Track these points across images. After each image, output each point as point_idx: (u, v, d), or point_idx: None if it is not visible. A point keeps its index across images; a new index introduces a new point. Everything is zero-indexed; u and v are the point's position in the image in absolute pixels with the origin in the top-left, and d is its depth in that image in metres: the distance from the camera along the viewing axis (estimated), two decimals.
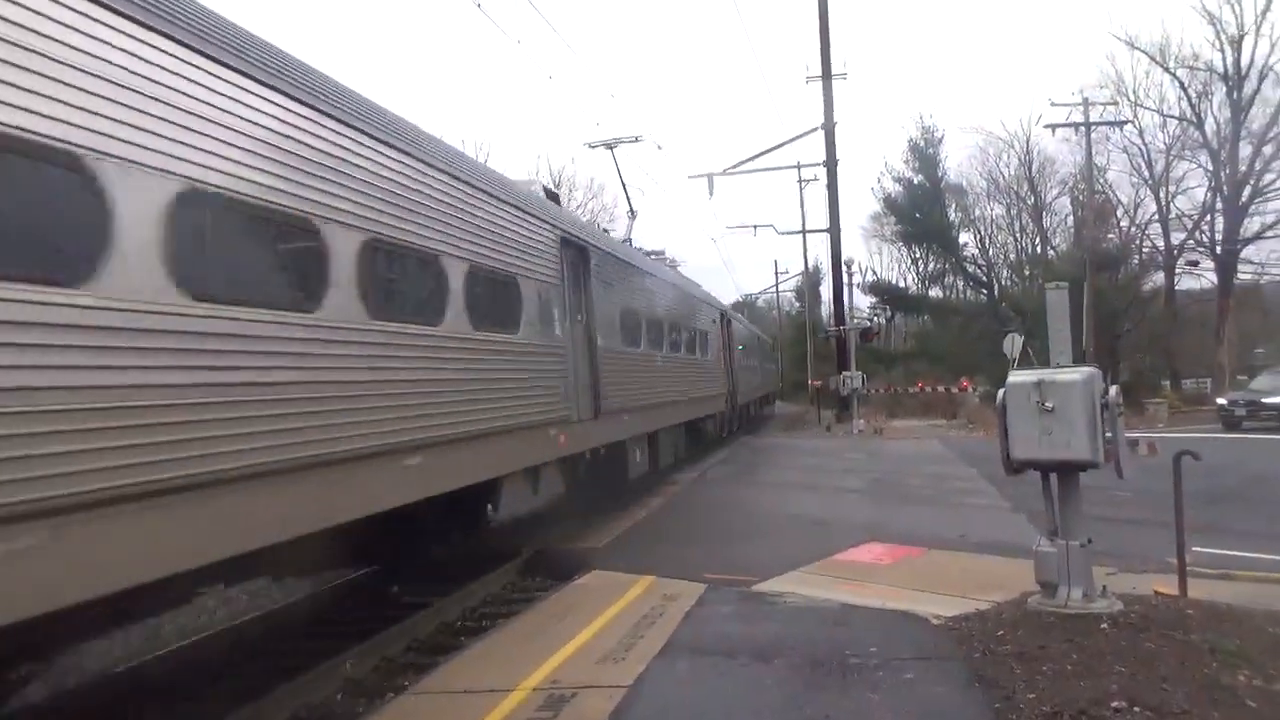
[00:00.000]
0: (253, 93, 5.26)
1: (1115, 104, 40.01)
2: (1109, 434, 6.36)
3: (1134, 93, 42.08)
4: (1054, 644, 5.78)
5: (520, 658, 6.23)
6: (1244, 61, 38.85)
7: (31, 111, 3.79)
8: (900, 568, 9.06)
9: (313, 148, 5.74)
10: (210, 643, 7.52)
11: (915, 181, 53.89)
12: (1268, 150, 39.07)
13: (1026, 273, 53.26)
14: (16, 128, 3.71)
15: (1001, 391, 6.66)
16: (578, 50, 77.27)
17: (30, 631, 3.79)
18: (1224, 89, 39.77)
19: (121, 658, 7.16)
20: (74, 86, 4.04)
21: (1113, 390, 6.50)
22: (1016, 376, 6.58)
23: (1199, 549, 8.31)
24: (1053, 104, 36.64)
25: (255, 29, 5.83)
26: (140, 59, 4.47)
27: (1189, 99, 41.12)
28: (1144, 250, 45.63)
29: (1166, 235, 43.63)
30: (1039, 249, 53.70)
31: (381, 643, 7.20)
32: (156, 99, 4.53)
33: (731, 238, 67.09)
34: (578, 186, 60.15)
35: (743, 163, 35.54)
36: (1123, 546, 8.92)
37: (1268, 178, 39.37)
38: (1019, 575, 7.48)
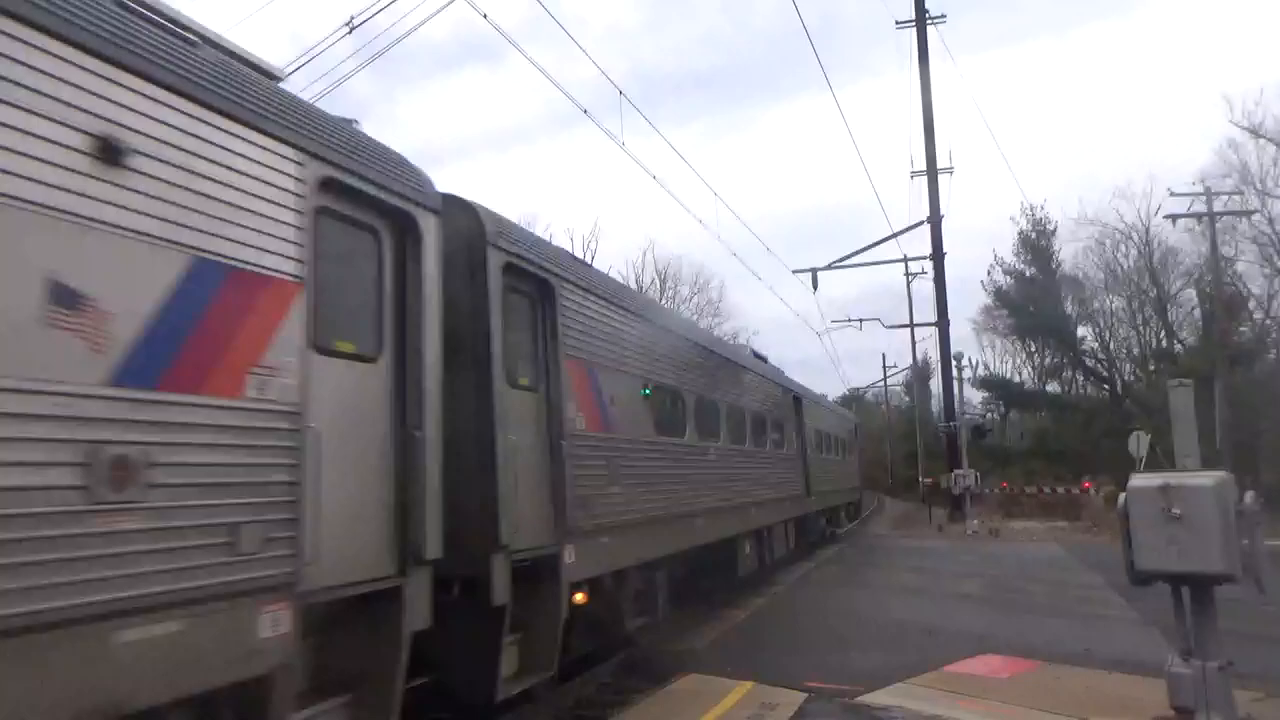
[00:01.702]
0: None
1: (1240, 193, 38.38)
2: (1246, 544, 5.88)
3: (1261, 181, 40.35)
4: None
5: None
6: None
7: None
8: (1018, 683, 8.47)
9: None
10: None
11: (1027, 274, 52.58)
12: None
13: (1151, 368, 50.74)
14: None
15: (1123, 496, 6.27)
16: (683, 150, 79.42)
17: None
18: None
19: None
20: None
21: (1249, 496, 6.03)
22: (1139, 480, 6.18)
23: None
24: (1172, 193, 35.21)
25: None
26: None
27: None
28: None
29: None
30: (1164, 343, 51.22)
31: None
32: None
33: (837, 333, 66.44)
34: (683, 281, 61.05)
35: (847, 257, 35.43)
36: (1272, 668, 8.13)
37: None
38: (1150, 696, 6.89)
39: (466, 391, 6.36)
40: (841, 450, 27.57)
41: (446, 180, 7.10)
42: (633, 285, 55.27)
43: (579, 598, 7.77)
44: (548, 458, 7.44)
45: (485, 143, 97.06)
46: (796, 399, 19.72)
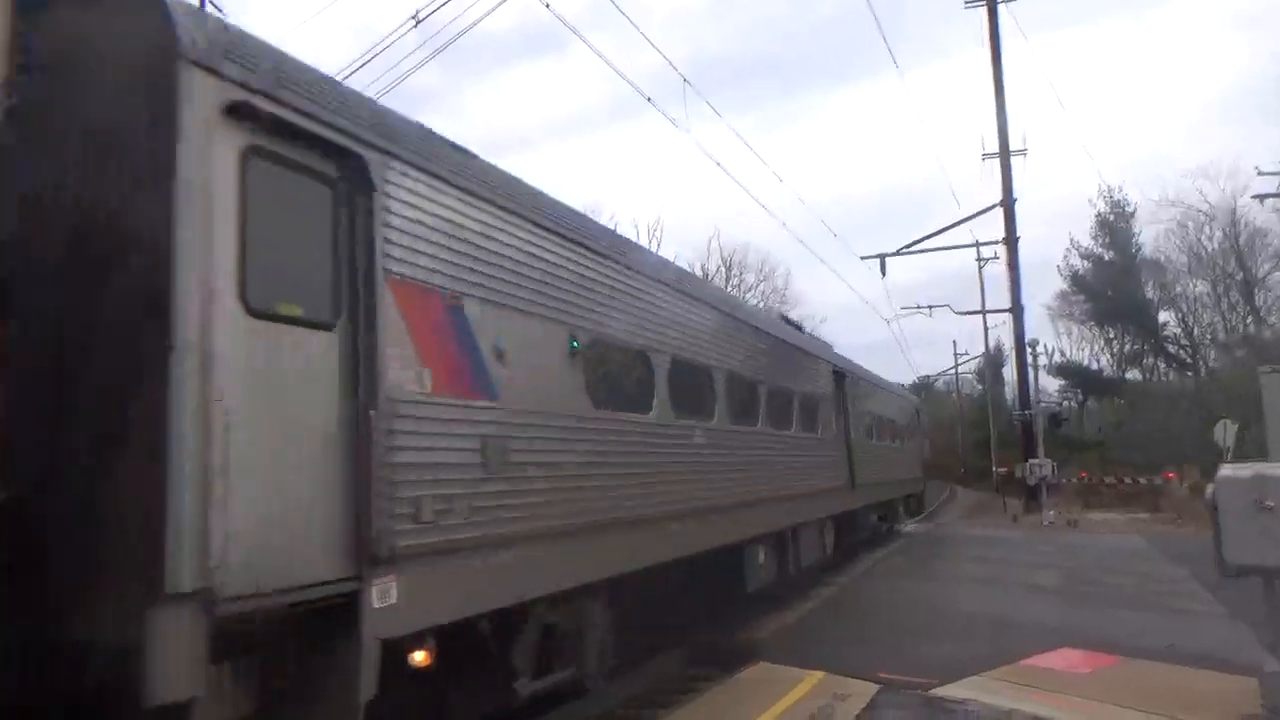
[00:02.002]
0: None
1: None
2: None
3: None
4: None
5: None
6: None
7: None
8: (1099, 678, 8.24)
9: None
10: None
11: (1106, 258, 50.96)
12: None
13: (1238, 354, 48.72)
14: None
15: (1211, 487, 6.03)
16: (747, 137, 78.74)
17: None
18: None
19: None
20: None
21: None
22: (1230, 470, 5.95)
23: None
24: (1260, 172, 33.72)
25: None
26: None
27: None
28: None
29: None
30: (1251, 327, 49.15)
31: None
32: None
33: (906, 320, 65.22)
34: (749, 268, 60.65)
35: (916, 242, 34.81)
36: None
37: None
38: (1242, 695, 6.66)
39: (127, 319, 3.91)
40: (900, 436, 24.22)
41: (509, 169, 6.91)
42: (698, 273, 55.18)
43: (419, 658, 5.22)
44: (350, 436, 4.68)
45: (548, 133, 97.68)
46: (839, 375, 16.49)
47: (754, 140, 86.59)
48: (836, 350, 20.72)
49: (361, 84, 11.86)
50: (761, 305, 57.77)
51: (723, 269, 60.00)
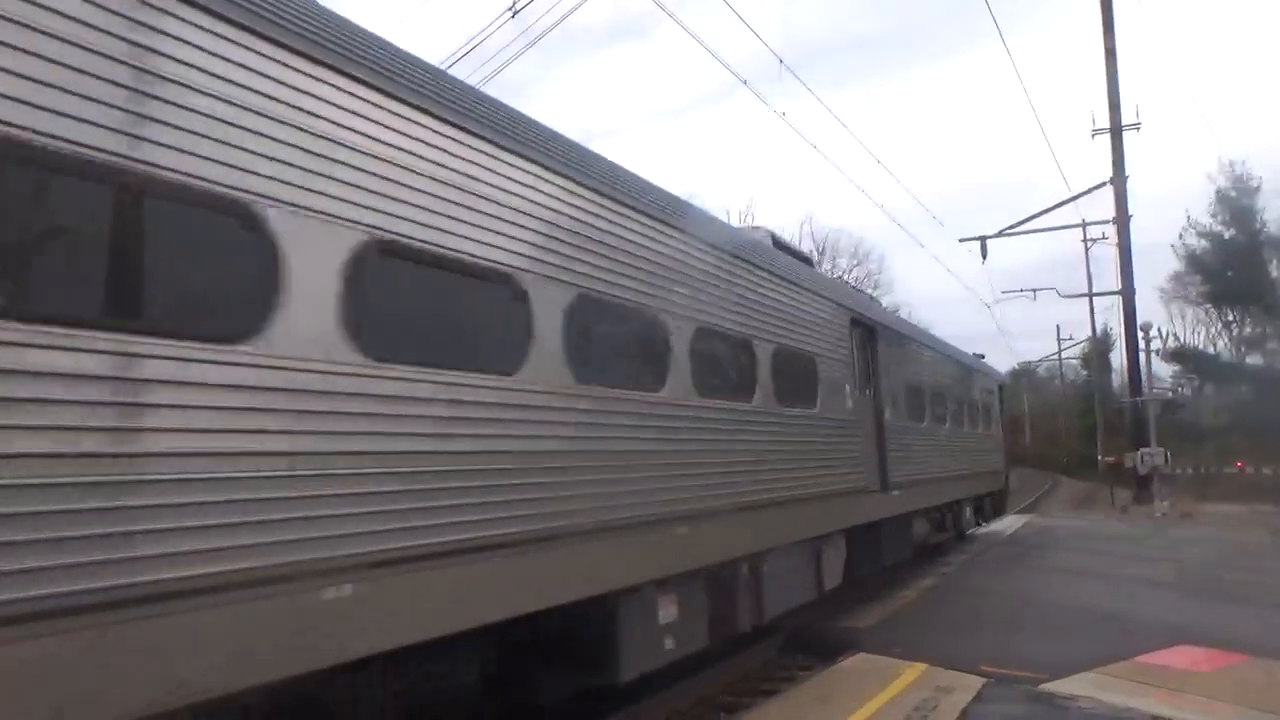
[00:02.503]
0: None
1: None
2: None
3: None
4: None
5: None
6: None
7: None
8: (1222, 677, 7.82)
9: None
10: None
11: (1226, 236, 48.24)
12: None
13: None
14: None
15: None
16: (842, 116, 77.24)
17: None
18: None
19: None
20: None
21: None
22: None
23: None
24: None
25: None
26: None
27: None
28: None
29: None
30: None
31: (640, 711, 7.20)
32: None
33: (1008, 303, 63.10)
34: (842, 252, 59.64)
35: (1019, 223, 33.55)
36: None
37: None
38: None
39: None
40: (970, 418, 18.44)
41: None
42: None
43: None
44: None
45: (641, 119, 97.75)
46: (862, 328, 11.65)
47: (850, 121, 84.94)
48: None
49: (462, 75, 12.05)
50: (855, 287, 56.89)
51: (815, 253, 59.12)
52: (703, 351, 7.18)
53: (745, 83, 15.42)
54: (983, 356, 23.35)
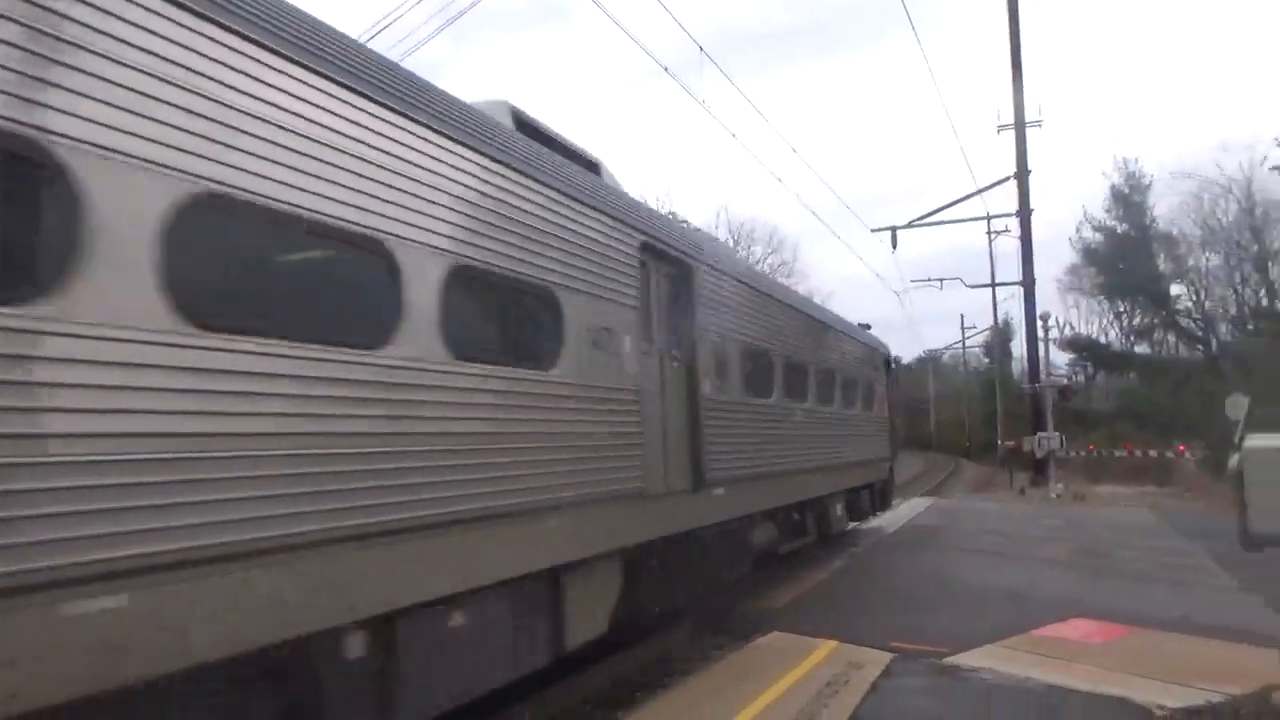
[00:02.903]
0: None
1: None
2: None
3: None
4: None
5: None
6: None
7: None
8: (1112, 648, 8.23)
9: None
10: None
11: (1119, 230, 50.51)
12: None
13: (1251, 327, 48.47)
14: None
15: (1236, 457, 5.98)
16: (760, 106, 78.09)
17: None
18: None
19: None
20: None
21: None
22: (1260, 440, 5.89)
23: None
24: (1279, 143, 33.37)
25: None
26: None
27: None
28: None
29: None
30: (1264, 302, 48.80)
31: (557, 694, 7.19)
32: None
33: (916, 291, 65.07)
34: (758, 240, 60.41)
35: (928, 215, 34.51)
36: None
37: None
38: (1258, 664, 6.65)
39: None
40: (846, 395, 15.24)
41: None
42: None
43: None
44: None
45: (559, 104, 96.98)
46: (672, 263, 8.61)
47: (768, 111, 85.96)
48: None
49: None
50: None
51: (731, 241, 59.77)
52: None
53: (666, 69, 15.39)
54: (869, 328, 19.59)
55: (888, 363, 19.87)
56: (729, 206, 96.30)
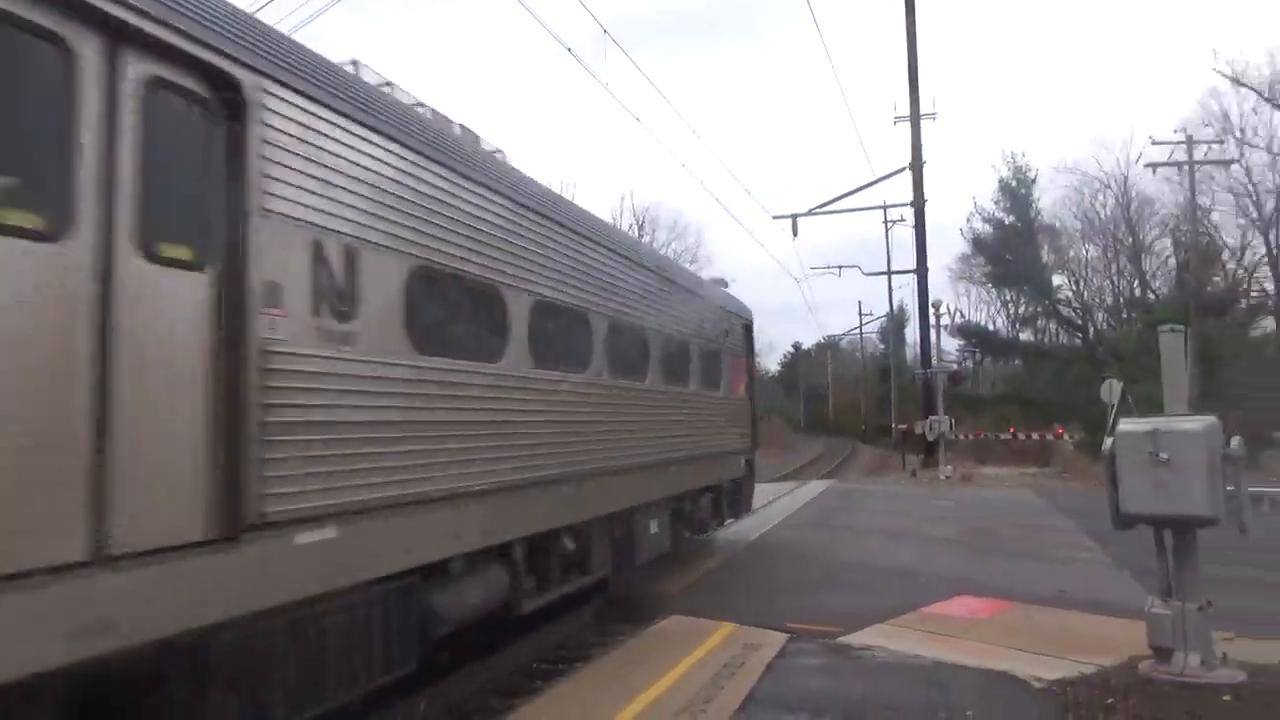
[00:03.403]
0: None
1: (1221, 142, 38.43)
2: (1231, 488, 5.91)
3: (1241, 130, 40.50)
4: (1171, 716, 5.35)
5: (595, 706, 6.04)
6: None
7: None
8: (996, 623, 8.58)
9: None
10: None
11: (1006, 222, 52.65)
12: None
13: (1125, 316, 51.29)
14: None
15: (1109, 440, 6.27)
16: (664, 90, 78.28)
17: None
18: None
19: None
20: None
21: (1235, 441, 6.05)
22: (1129, 425, 6.18)
23: None
24: (1153, 142, 35.20)
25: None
26: None
27: None
28: (1252, 294, 43.52)
29: (1277, 279, 41.55)
30: (1138, 292, 51.68)
31: (456, 683, 7.09)
32: None
33: (816, 278, 66.51)
34: (661, 226, 60.65)
35: (827, 203, 35.23)
36: (1242, 610, 8.24)
37: None
38: (1126, 636, 7.00)
39: None
40: (678, 367, 11.49)
41: None
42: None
43: None
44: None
45: (459, 84, 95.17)
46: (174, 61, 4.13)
47: (671, 96, 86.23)
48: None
49: (270, 21, 11.20)
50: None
51: (635, 226, 59.89)
52: None
53: (570, 50, 15.21)
54: (726, 285, 16.50)
55: (748, 329, 15.62)
56: (634, 192, 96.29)
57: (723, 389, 13.36)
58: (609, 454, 8.81)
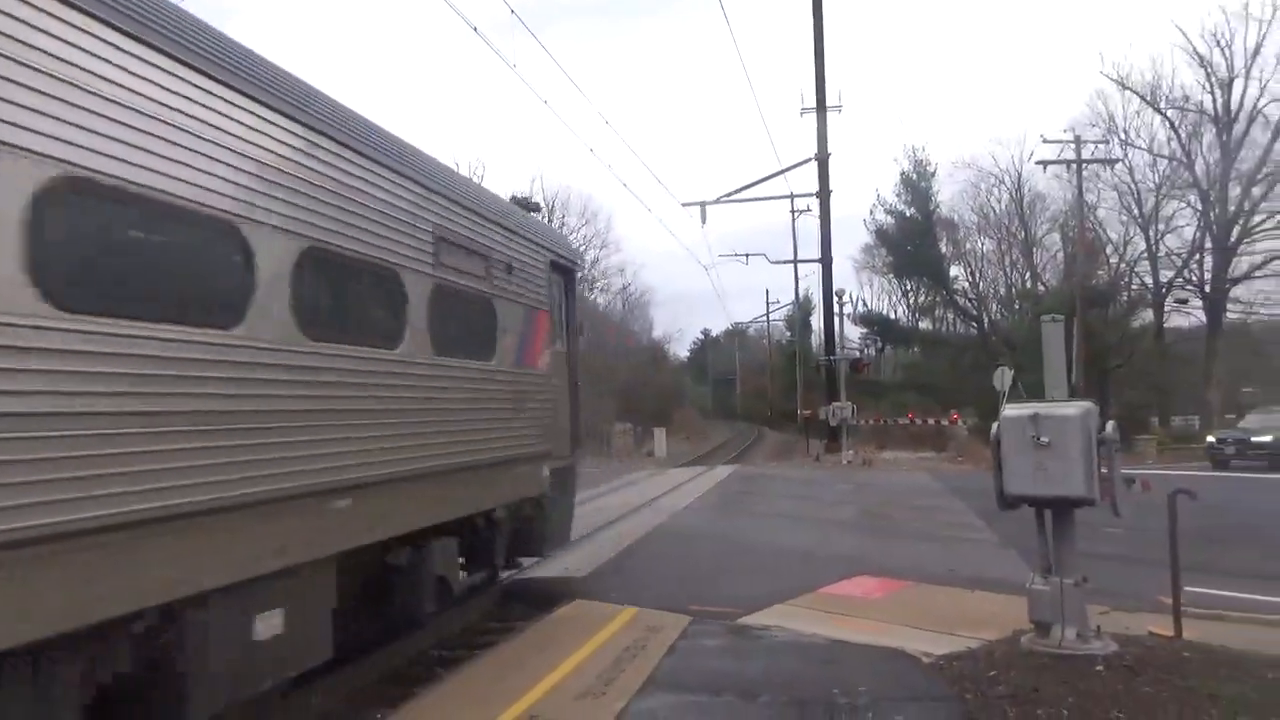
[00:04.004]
0: None
1: (1106, 142, 40.42)
2: (1105, 470, 6.23)
3: (1125, 131, 42.60)
4: (1048, 686, 5.61)
5: (497, 692, 6.01)
6: (1234, 104, 39.42)
7: None
8: (890, 602, 8.87)
9: None
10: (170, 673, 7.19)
11: (907, 214, 54.19)
12: (1256, 191, 39.50)
13: (1016, 307, 53.46)
14: None
15: (996, 425, 6.53)
16: (574, 75, 77.75)
17: None
18: (1214, 130, 40.26)
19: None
20: None
21: (1109, 426, 6.37)
22: (1012, 410, 6.45)
23: (1191, 589, 8.13)
24: (1045, 140, 36.83)
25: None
26: None
27: (1179, 139, 41.66)
28: (1133, 287, 45.90)
29: (1155, 273, 43.91)
30: (1029, 284, 53.91)
31: (353, 673, 6.95)
32: None
33: (724, 266, 67.22)
34: (571, 211, 60.35)
35: (735, 192, 35.64)
36: (1115, 585, 8.74)
37: (1256, 219, 39.76)
38: (1010, 612, 7.32)
39: None
40: (442, 330, 7.03)
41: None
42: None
43: None
44: None
45: (362, 63, 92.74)
46: None
47: (580, 81, 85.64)
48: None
49: None
50: (584, 249, 57.81)
51: (545, 210, 59.43)
52: None
53: (475, 29, 14.95)
54: (536, 209, 12.50)
55: (566, 275, 10.65)
56: (543, 175, 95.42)
57: (506, 358, 8.44)
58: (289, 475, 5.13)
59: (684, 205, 36.18)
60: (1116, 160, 40.77)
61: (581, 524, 14.26)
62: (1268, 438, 25.52)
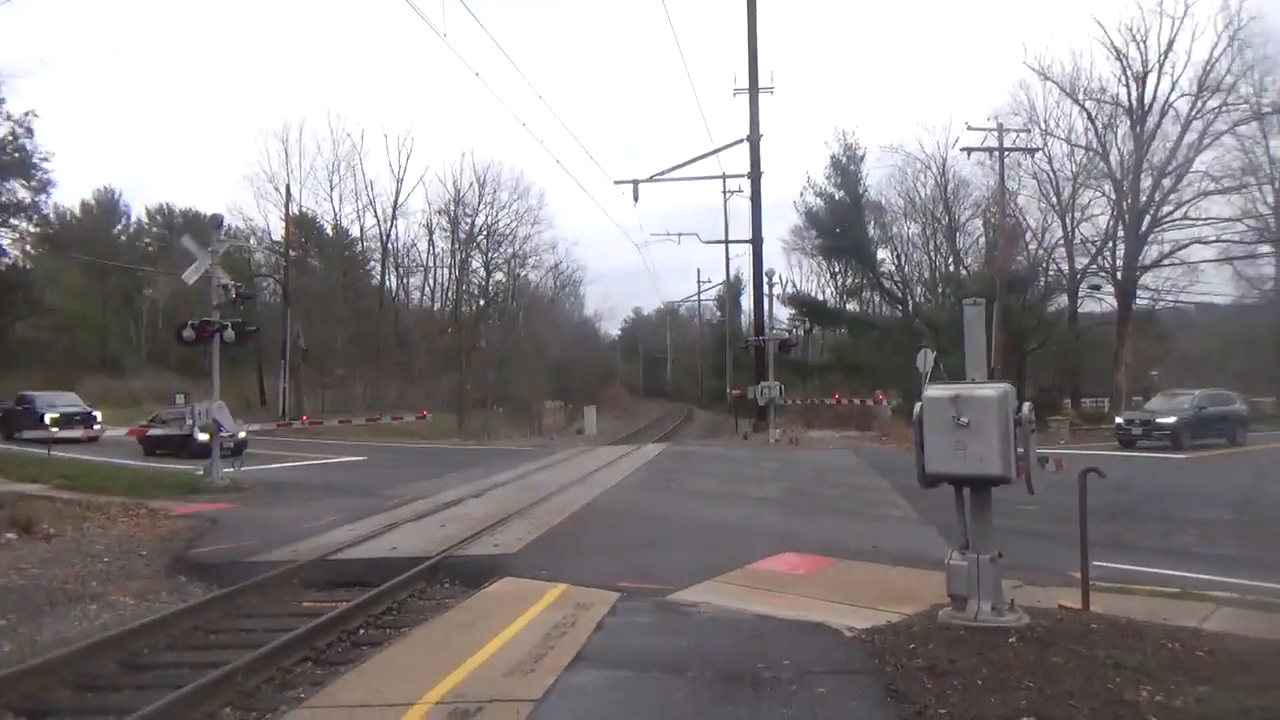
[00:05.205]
0: None
1: (1028, 131, 41.52)
2: (1021, 450, 6.45)
3: (1045, 121, 43.79)
4: (964, 658, 5.81)
5: (424, 670, 5.97)
6: (1147, 97, 40.83)
7: None
8: (815, 578, 9.07)
9: None
10: (88, 652, 6.99)
11: (836, 197, 54.99)
12: (1167, 183, 41.09)
13: (940, 290, 54.78)
14: None
15: (918, 405, 6.69)
16: (507, 48, 76.61)
17: None
18: (1128, 122, 41.69)
19: None
20: None
21: (1025, 407, 6.59)
22: (933, 390, 6.61)
23: (1099, 563, 8.52)
24: (969, 127, 37.74)
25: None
26: None
27: (1095, 130, 43.03)
28: (1050, 273, 47.40)
29: (1071, 260, 45.39)
30: (952, 268, 55.26)
31: (276, 652, 6.83)
32: None
33: (657, 245, 67.44)
34: (503, 186, 59.66)
35: (668, 171, 35.69)
36: (1027, 560, 9.08)
37: (1166, 209, 41.39)
38: (930, 587, 7.55)
39: None
40: None
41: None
42: (450, 191, 53.40)
43: None
44: None
45: (285, 32, 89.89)
46: None
47: (513, 54, 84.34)
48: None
49: None
50: (515, 225, 57.25)
51: (476, 185, 58.70)
52: None
53: None
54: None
55: None
56: (474, 150, 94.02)
57: None
58: None
59: (617, 183, 36.20)
60: (1037, 149, 42.01)
61: (512, 500, 14.25)
62: (1171, 419, 26.73)
